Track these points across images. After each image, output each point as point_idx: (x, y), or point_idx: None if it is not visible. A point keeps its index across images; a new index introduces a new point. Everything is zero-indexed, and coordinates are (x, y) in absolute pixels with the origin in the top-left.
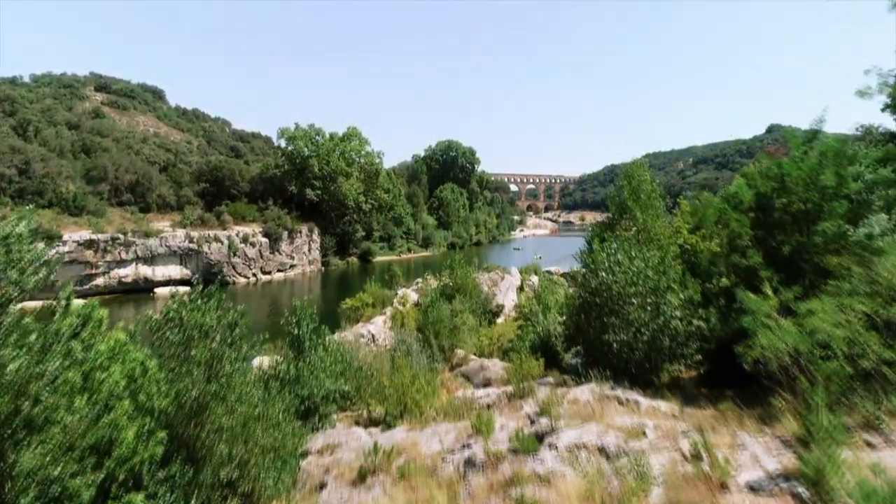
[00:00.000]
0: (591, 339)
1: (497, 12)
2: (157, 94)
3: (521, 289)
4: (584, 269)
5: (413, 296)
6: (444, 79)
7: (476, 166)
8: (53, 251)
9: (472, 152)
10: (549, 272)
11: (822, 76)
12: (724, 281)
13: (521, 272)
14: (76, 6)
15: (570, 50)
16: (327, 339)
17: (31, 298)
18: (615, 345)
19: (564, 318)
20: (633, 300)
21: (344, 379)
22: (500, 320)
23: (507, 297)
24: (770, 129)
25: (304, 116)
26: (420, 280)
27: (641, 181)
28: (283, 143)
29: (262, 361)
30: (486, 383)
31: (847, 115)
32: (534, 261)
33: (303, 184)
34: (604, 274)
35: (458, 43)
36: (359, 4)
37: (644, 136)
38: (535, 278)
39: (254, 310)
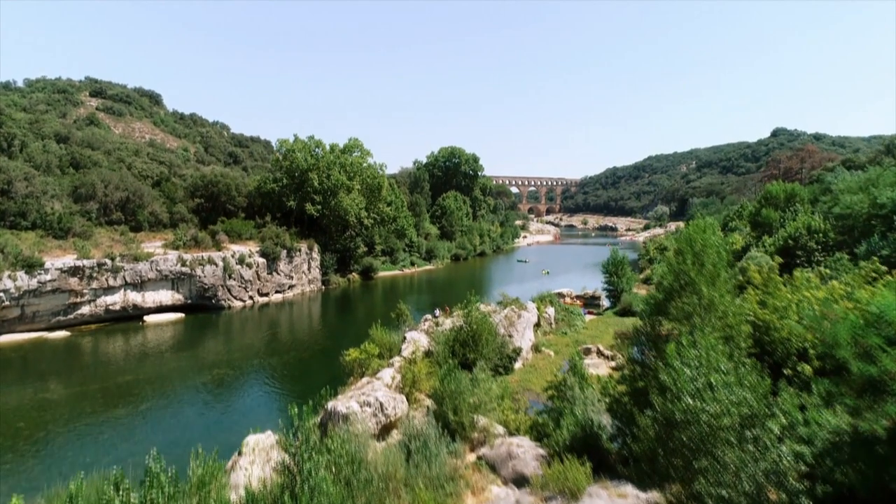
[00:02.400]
0: (671, 477)
1: (498, 13)
2: (154, 99)
3: (537, 324)
4: (648, 378)
5: (423, 340)
6: (445, 80)
7: (479, 173)
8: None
9: (476, 159)
10: (560, 295)
11: (825, 78)
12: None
13: (536, 303)
14: (74, 8)
15: (571, 51)
16: (331, 437)
17: (12, 332)
18: (709, 501)
19: (627, 435)
20: (730, 436)
21: (351, 499)
22: (517, 365)
23: (525, 338)
24: (775, 133)
25: (302, 116)
26: (429, 317)
27: (706, 246)
28: (281, 156)
29: (256, 443)
30: (519, 480)
31: (849, 117)
32: (542, 276)
33: (302, 198)
34: (690, 400)
35: (458, 44)
36: (358, 6)
37: (646, 139)
38: (551, 310)
39: (248, 344)
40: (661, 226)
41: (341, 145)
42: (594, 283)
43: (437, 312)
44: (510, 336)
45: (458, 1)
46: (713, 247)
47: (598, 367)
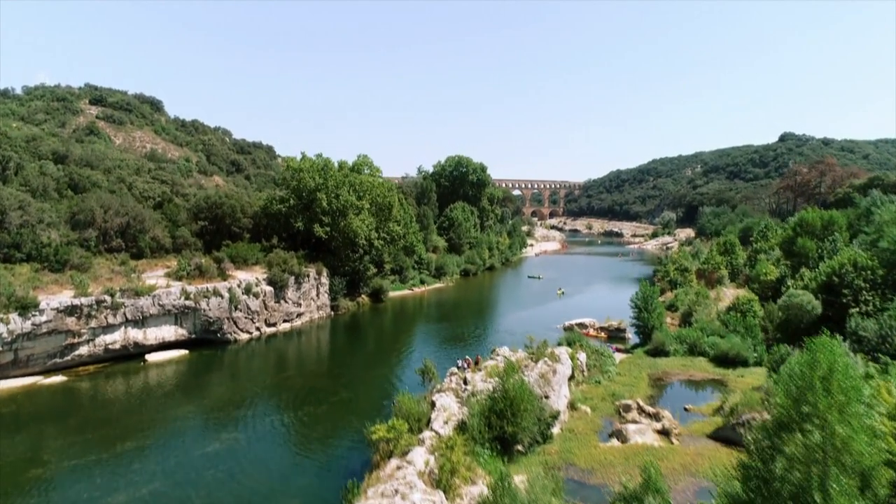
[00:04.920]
0: None
1: (499, 13)
2: (155, 106)
3: (571, 376)
4: None
5: (453, 406)
6: (445, 80)
7: (487, 183)
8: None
9: (483, 168)
10: (582, 325)
11: (826, 78)
12: None
13: (568, 351)
14: (72, 8)
15: (571, 51)
16: None
17: (4, 377)
18: None
19: None
20: None
21: None
22: (555, 430)
23: (560, 396)
24: (783, 138)
25: (302, 116)
26: (455, 371)
27: (834, 370)
28: (289, 176)
29: None
30: None
31: (848, 116)
32: (557, 296)
33: (310, 219)
34: None
35: (458, 44)
36: (358, 6)
37: (649, 140)
38: (582, 356)
39: (257, 394)
40: (669, 233)
41: (349, 160)
42: (613, 304)
43: (462, 363)
44: (546, 397)
45: (458, 1)
46: (843, 370)
47: (643, 434)
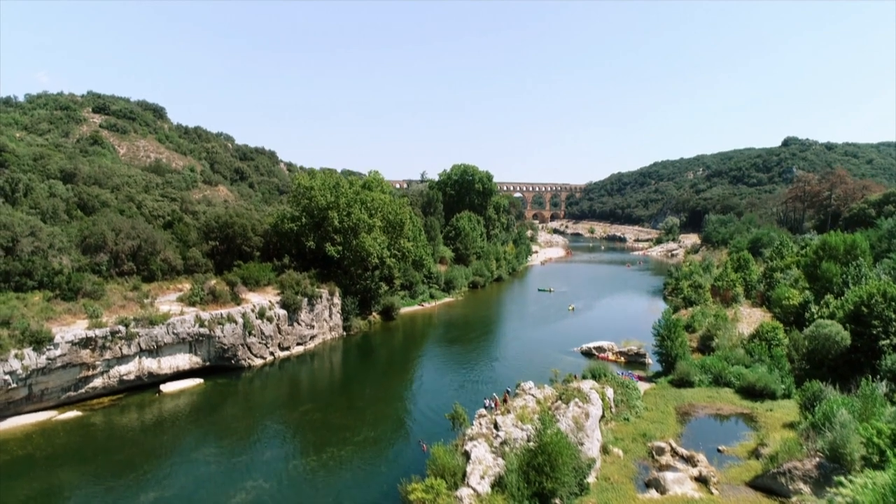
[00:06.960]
0: None
1: (499, 13)
2: (158, 113)
3: (601, 416)
4: None
5: (488, 457)
6: (446, 82)
7: (493, 191)
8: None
9: (490, 177)
10: (600, 349)
11: (832, 81)
12: None
13: (596, 389)
14: (72, 8)
15: (572, 51)
16: None
17: (18, 413)
18: None
19: None
20: None
21: None
22: (590, 479)
23: (594, 441)
24: (787, 143)
25: (304, 116)
26: (483, 413)
27: None
28: (300, 195)
29: None
30: None
31: (846, 116)
32: (568, 312)
33: (321, 238)
34: None
35: (458, 45)
36: (358, 6)
37: (649, 142)
38: (610, 392)
39: (278, 431)
40: (673, 239)
41: (349, 164)
42: (627, 321)
43: (489, 402)
44: (581, 444)
45: (458, 1)
46: None
47: (682, 484)
